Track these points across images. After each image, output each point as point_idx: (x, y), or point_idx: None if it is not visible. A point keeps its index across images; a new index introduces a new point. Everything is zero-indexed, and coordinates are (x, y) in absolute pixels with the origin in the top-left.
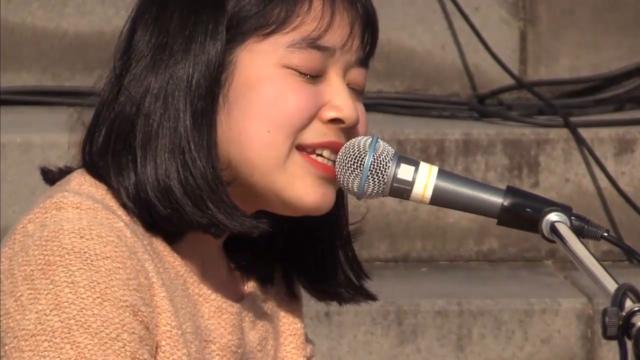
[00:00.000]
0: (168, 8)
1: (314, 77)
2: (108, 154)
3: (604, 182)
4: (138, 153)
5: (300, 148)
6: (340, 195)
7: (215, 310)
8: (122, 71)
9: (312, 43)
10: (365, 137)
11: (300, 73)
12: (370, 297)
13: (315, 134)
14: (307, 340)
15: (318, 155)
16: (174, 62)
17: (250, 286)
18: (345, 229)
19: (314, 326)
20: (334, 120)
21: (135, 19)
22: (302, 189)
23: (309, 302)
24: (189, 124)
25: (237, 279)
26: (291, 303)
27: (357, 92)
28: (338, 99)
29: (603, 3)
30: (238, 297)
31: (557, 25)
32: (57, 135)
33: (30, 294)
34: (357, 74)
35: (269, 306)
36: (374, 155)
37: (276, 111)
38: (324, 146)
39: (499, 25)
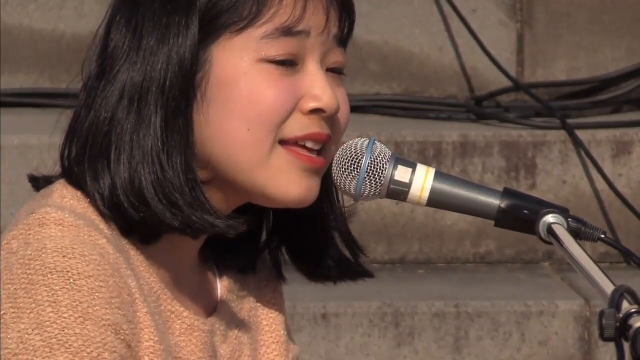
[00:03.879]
0: (140, 10)
1: (290, 66)
2: (85, 159)
3: (601, 184)
4: (112, 157)
5: (283, 142)
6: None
7: (187, 328)
8: (97, 74)
9: (285, 32)
10: (362, 139)
11: (277, 65)
12: (366, 273)
13: (297, 126)
14: (290, 339)
15: (301, 146)
16: (147, 64)
17: (224, 289)
18: (339, 206)
19: (311, 328)
20: (315, 110)
21: (109, 22)
22: (287, 182)
23: (305, 304)
24: (162, 126)
25: (211, 282)
26: (273, 305)
27: (337, 76)
28: (317, 87)
29: (600, 5)
30: (211, 307)
31: (554, 27)
32: (55, 137)
33: (13, 312)
34: (334, 54)
35: (246, 314)
36: (370, 157)
37: (254, 109)
38: (306, 139)
39: (496, 27)
